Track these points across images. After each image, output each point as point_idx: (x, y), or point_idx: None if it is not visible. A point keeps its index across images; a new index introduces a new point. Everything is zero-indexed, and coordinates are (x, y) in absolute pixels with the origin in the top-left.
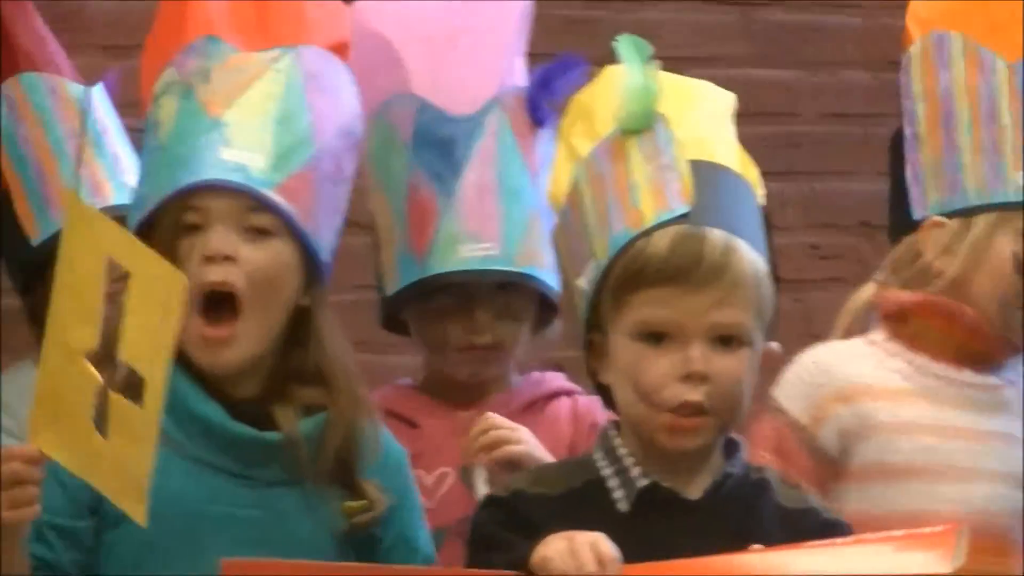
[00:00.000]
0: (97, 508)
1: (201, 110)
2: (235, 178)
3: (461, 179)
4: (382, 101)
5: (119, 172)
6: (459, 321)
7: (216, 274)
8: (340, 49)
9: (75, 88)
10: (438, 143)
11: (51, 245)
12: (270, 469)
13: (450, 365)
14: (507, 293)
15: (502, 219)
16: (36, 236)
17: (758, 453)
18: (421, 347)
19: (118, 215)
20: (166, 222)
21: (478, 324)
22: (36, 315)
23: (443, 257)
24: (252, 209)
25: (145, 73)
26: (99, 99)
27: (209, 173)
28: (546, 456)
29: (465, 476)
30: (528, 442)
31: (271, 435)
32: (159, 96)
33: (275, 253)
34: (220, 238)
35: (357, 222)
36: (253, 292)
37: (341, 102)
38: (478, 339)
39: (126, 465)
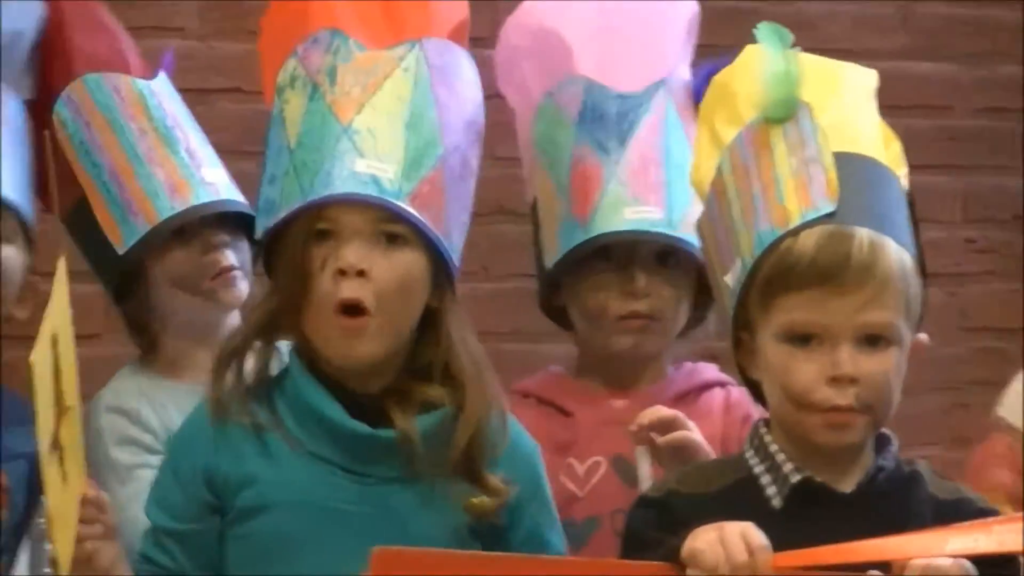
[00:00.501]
0: (219, 507)
1: (330, 114)
2: (368, 192)
3: (627, 149)
4: (549, 88)
5: (195, 168)
6: (619, 288)
7: (349, 290)
8: (460, 30)
9: (138, 84)
10: (605, 117)
11: (138, 251)
12: (385, 466)
13: (609, 336)
14: (667, 264)
15: (666, 188)
16: (120, 244)
17: (993, 472)
18: (580, 321)
19: (200, 215)
20: (297, 230)
21: (638, 290)
22: (133, 323)
23: (607, 219)
24: (384, 220)
25: (265, 58)
26: (162, 89)
27: (342, 187)
28: (707, 446)
29: (618, 465)
30: (694, 430)
31: (386, 433)
32: (283, 88)
33: (406, 265)
34: (354, 252)
35: (512, 211)
36: (384, 304)
37: (465, 93)
38: (638, 306)
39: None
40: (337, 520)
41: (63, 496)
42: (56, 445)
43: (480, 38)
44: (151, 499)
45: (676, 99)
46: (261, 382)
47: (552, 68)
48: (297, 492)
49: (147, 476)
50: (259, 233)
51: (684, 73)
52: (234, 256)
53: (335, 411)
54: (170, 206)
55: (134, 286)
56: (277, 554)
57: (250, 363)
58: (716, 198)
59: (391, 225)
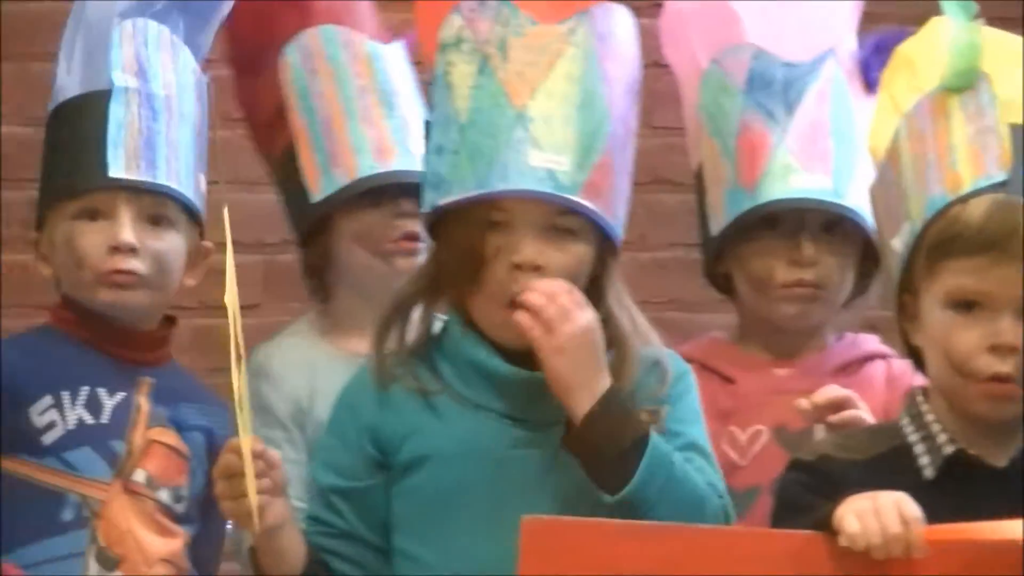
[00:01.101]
0: (385, 462)
1: (503, 95)
2: (544, 188)
3: (795, 116)
4: (715, 55)
5: (406, 136)
6: (785, 256)
7: (525, 285)
8: None
9: (371, 45)
10: (773, 84)
11: (330, 202)
12: (543, 409)
13: (774, 304)
14: (833, 233)
15: (834, 157)
16: (317, 192)
17: None
18: (744, 288)
19: (398, 181)
20: (471, 217)
21: (804, 258)
22: (310, 269)
23: (774, 186)
24: (558, 213)
25: (421, 13)
26: (394, 56)
27: (519, 183)
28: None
29: (780, 435)
30: (864, 410)
31: (542, 373)
32: (448, 47)
33: (578, 257)
34: (531, 247)
35: (670, 180)
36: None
37: (627, 58)
38: (804, 274)
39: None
40: (502, 466)
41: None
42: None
43: (640, 6)
44: (318, 462)
45: (843, 69)
46: (422, 343)
47: (719, 36)
48: (460, 442)
49: None
50: (426, 207)
51: (851, 43)
52: (421, 229)
53: (493, 360)
54: (371, 165)
55: (320, 234)
56: (444, 505)
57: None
58: (891, 163)
59: (565, 218)
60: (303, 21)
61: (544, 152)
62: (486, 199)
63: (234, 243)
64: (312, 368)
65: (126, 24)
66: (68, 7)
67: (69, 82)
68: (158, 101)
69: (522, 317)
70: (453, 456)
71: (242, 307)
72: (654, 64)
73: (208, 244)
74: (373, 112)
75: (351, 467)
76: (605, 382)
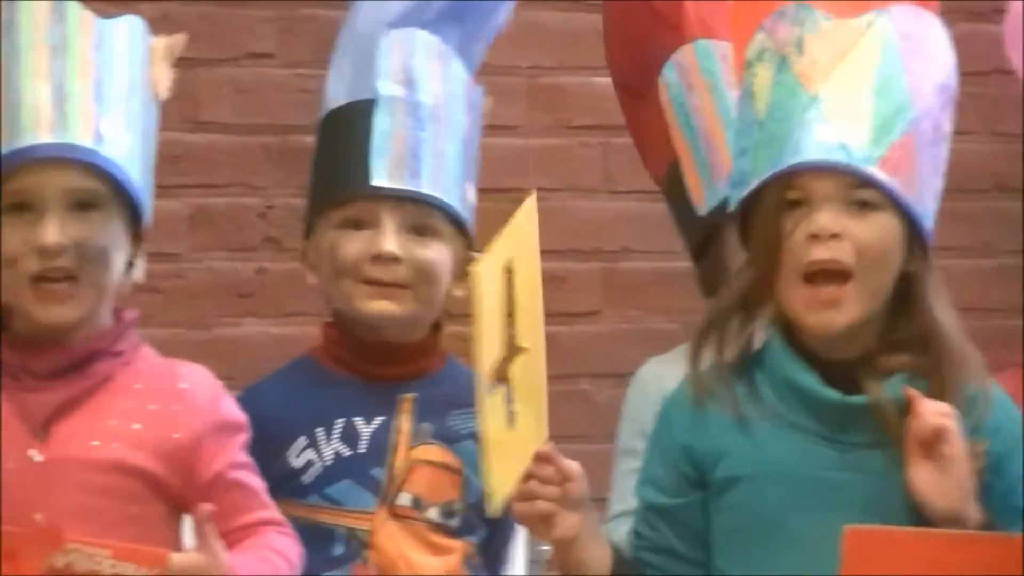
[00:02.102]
0: (701, 480)
1: (798, 84)
2: (838, 159)
3: None
4: None
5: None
6: None
7: (823, 252)
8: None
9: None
10: None
11: (717, 215)
12: (857, 432)
13: None
14: None
15: None
16: (703, 205)
17: None
18: None
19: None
20: (768, 200)
21: None
22: (705, 284)
23: None
24: (855, 186)
25: (735, 37)
26: None
27: (811, 155)
28: None
29: None
30: None
31: (858, 399)
32: (752, 63)
33: (881, 228)
34: (827, 217)
35: (1014, 187)
36: (861, 266)
37: (935, 58)
38: None
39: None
40: (818, 488)
41: (507, 435)
42: (502, 379)
43: (982, 11)
44: (641, 476)
45: None
46: (741, 356)
47: None
48: (776, 463)
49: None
50: (732, 205)
51: None
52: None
53: (809, 380)
54: None
55: (711, 247)
56: (760, 526)
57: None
58: None
59: (862, 191)
60: (678, 39)
61: (837, 127)
62: (782, 179)
63: (572, 251)
64: None
65: (395, 33)
66: None
67: (338, 90)
68: (425, 111)
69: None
70: (768, 477)
71: (581, 314)
72: (998, 71)
73: (471, 253)
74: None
75: (668, 484)
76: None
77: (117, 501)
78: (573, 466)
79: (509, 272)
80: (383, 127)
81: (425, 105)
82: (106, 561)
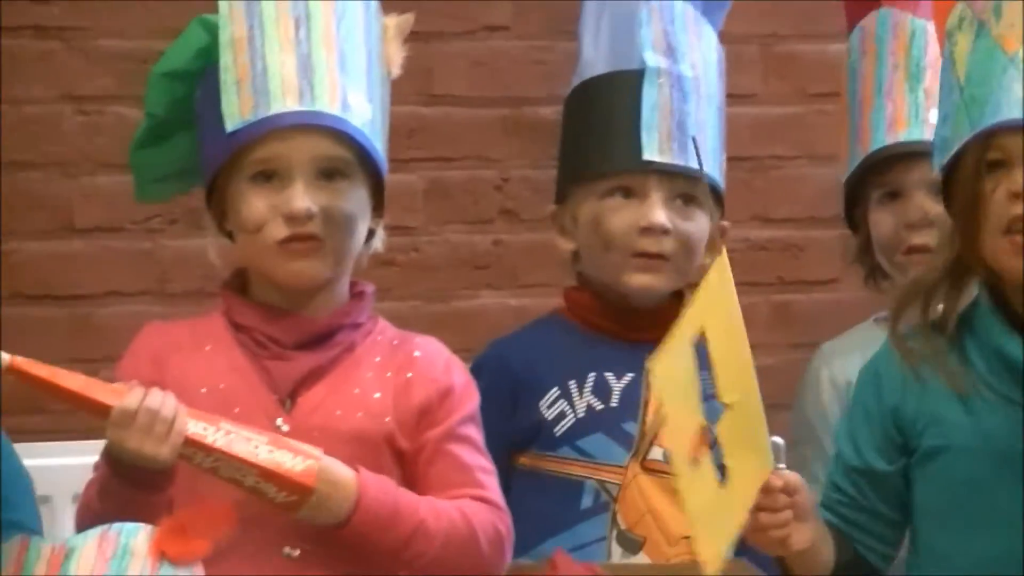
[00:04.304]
0: (907, 445)
1: (996, 47)
2: None
3: None
4: None
5: (921, 110)
6: None
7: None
8: None
9: (914, 22)
10: None
11: (851, 181)
12: None
13: None
14: None
15: None
16: (846, 171)
17: None
18: None
19: (904, 151)
20: (969, 162)
21: None
22: (859, 255)
23: None
24: None
25: (937, 15)
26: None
27: (1010, 113)
28: None
29: None
30: None
31: None
32: (952, 32)
33: None
34: None
35: None
36: None
37: None
38: None
39: (725, 508)
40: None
41: (717, 496)
42: (696, 459)
43: None
44: (842, 431)
45: None
46: (949, 323)
47: None
48: (988, 436)
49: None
50: (936, 171)
51: None
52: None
53: (1014, 347)
54: (881, 139)
55: (858, 212)
56: (965, 499)
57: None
58: None
59: None
60: (874, 4)
61: None
62: (981, 140)
63: (810, 219)
64: None
65: (654, 3)
66: None
67: (595, 58)
68: (687, 83)
69: None
70: (978, 450)
71: (819, 282)
72: None
73: (726, 223)
74: (896, 87)
75: (872, 446)
76: None
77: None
78: (794, 479)
79: (702, 335)
80: (651, 99)
81: (687, 77)
82: (250, 477)
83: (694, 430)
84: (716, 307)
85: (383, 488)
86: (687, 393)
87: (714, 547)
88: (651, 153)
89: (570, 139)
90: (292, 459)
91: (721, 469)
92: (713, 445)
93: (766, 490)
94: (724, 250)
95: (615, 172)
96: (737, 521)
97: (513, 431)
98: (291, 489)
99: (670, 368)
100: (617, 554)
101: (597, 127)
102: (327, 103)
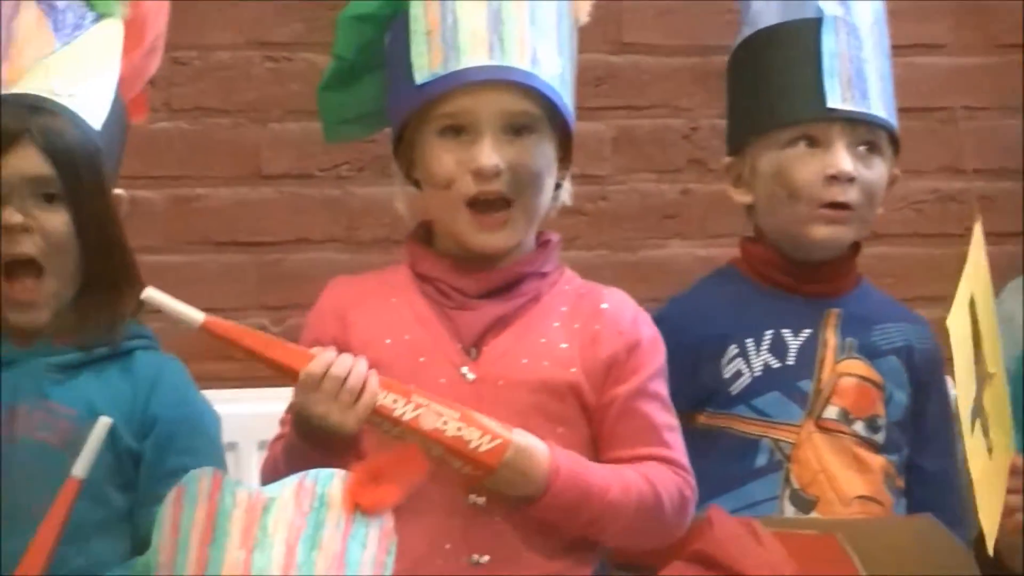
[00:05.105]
0: None
1: None
2: None
3: None
4: None
5: None
6: None
7: None
8: None
9: None
10: None
11: None
12: None
13: None
14: None
15: None
16: None
17: None
18: None
19: None
20: None
21: None
22: None
23: None
24: None
25: None
26: None
27: None
28: None
29: None
30: None
31: None
32: None
33: None
34: None
35: None
36: None
37: None
38: None
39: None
40: None
41: (988, 466)
42: (979, 413)
43: None
44: None
45: None
46: None
47: None
48: None
49: None
50: None
51: None
52: None
53: None
54: None
55: None
56: None
57: None
58: None
59: None
60: None
61: None
62: None
63: (1002, 169)
64: None
65: None
66: None
67: (766, 8)
68: (862, 30)
69: None
70: None
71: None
72: None
73: (897, 171)
74: None
75: None
76: None
77: (545, 420)
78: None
79: (972, 305)
80: (830, 47)
81: (860, 24)
82: (452, 423)
83: (973, 394)
84: (978, 272)
85: (574, 471)
86: (968, 354)
87: (993, 519)
88: (834, 101)
89: (745, 90)
90: (480, 437)
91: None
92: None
93: (1012, 470)
94: (979, 216)
95: (798, 122)
96: (1000, 495)
97: (693, 390)
98: (475, 466)
99: (958, 328)
100: (789, 513)
101: (776, 77)
102: (517, 58)
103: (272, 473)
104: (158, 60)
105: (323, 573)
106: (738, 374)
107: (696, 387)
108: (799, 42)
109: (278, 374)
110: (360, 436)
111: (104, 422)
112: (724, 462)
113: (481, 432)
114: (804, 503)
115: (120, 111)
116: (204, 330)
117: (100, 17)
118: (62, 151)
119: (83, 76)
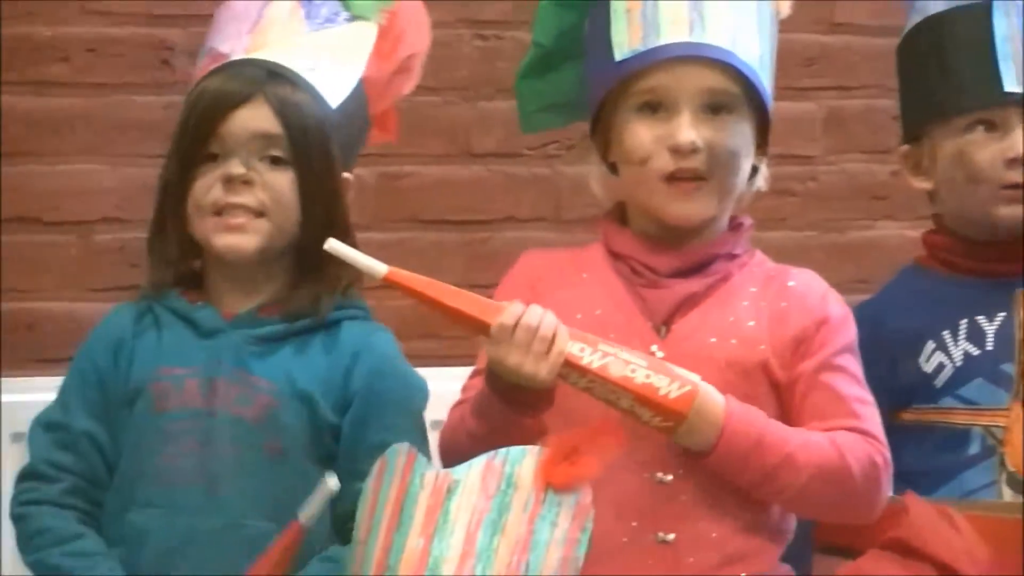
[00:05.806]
0: None
1: None
2: None
3: None
4: None
5: None
6: None
7: None
8: None
9: None
10: None
11: None
12: None
13: None
14: None
15: None
16: None
17: None
18: None
19: None
20: None
21: None
22: None
23: None
24: None
25: None
26: None
27: None
28: None
29: None
30: None
31: None
32: None
33: None
34: None
35: None
36: None
37: None
38: None
39: None
40: None
41: None
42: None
43: None
44: None
45: None
46: None
47: None
48: None
49: None
50: None
51: None
52: None
53: None
54: None
55: None
56: None
57: None
58: None
59: None
60: None
61: None
62: None
63: None
64: None
65: None
66: None
67: None
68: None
69: None
70: None
71: None
72: None
73: None
74: None
75: None
76: None
77: (734, 398)
78: None
79: None
80: (1003, 31)
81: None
82: (625, 399)
83: None
84: None
85: (748, 419)
86: None
87: None
88: (1011, 84)
89: (920, 78)
90: (669, 384)
91: None
92: None
93: None
94: None
95: (976, 108)
96: None
97: (894, 389)
98: (665, 414)
99: None
100: (1008, 496)
101: (951, 63)
102: (717, 36)
103: (456, 437)
104: (411, 83)
105: (505, 559)
106: (940, 367)
107: (896, 386)
108: (971, 27)
109: (464, 326)
110: (553, 390)
111: (331, 485)
112: (936, 455)
113: (670, 379)
114: (1021, 485)
115: (361, 102)
116: (387, 281)
117: (354, 18)
118: (294, 114)
119: (326, 57)
